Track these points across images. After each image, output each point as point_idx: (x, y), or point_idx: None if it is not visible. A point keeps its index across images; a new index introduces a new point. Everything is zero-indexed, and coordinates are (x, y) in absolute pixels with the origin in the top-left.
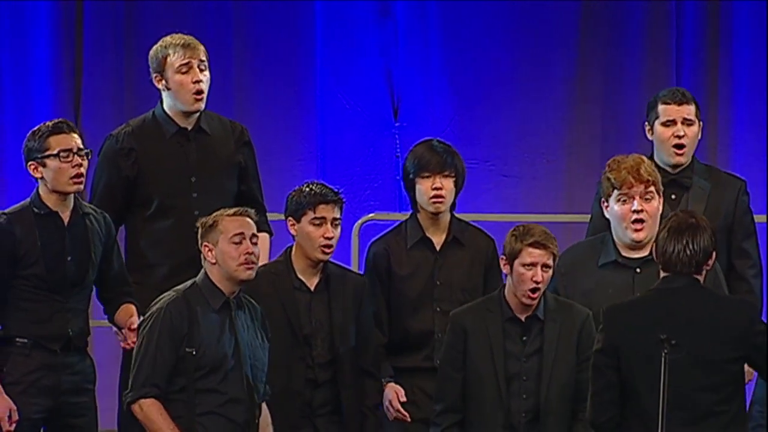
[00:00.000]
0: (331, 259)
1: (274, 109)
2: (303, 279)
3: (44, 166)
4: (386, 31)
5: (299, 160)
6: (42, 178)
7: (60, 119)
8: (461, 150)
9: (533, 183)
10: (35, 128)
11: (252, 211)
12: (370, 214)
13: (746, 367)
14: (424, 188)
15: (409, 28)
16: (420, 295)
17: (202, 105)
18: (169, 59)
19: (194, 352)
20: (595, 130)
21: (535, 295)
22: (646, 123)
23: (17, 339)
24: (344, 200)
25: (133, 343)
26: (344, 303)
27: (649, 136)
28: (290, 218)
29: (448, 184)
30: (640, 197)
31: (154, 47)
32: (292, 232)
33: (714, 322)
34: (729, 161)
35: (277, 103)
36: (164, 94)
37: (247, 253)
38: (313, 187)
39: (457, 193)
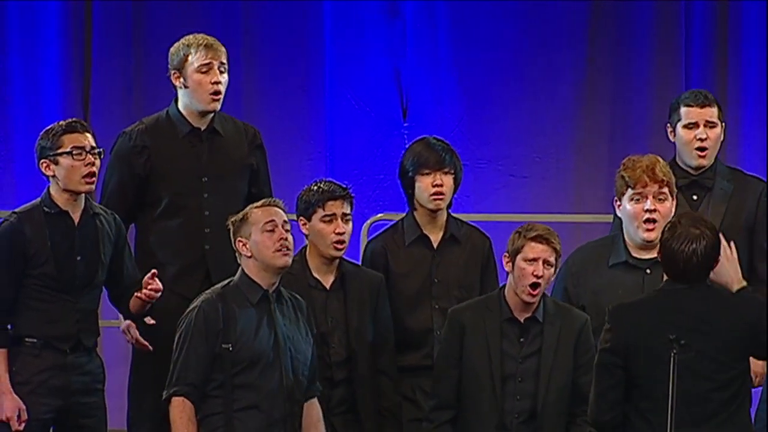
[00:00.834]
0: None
1: (282, 110)
2: (318, 277)
3: (57, 164)
4: (395, 32)
5: (308, 160)
6: (54, 176)
7: (74, 119)
8: (470, 150)
9: (542, 183)
10: (48, 127)
11: (280, 201)
12: (379, 214)
13: (758, 369)
14: (424, 185)
15: (417, 28)
16: (418, 293)
17: (218, 106)
18: (190, 58)
19: (230, 348)
20: (603, 129)
21: (536, 292)
22: (668, 125)
23: (27, 339)
24: (353, 195)
25: (138, 342)
26: (360, 301)
27: (671, 138)
28: (301, 218)
29: (447, 181)
30: (654, 197)
31: (176, 44)
32: (305, 231)
33: (721, 320)
34: (738, 160)
35: (285, 104)
36: (180, 92)
37: (281, 239)
38: (321, 185)
39: (455, 191)
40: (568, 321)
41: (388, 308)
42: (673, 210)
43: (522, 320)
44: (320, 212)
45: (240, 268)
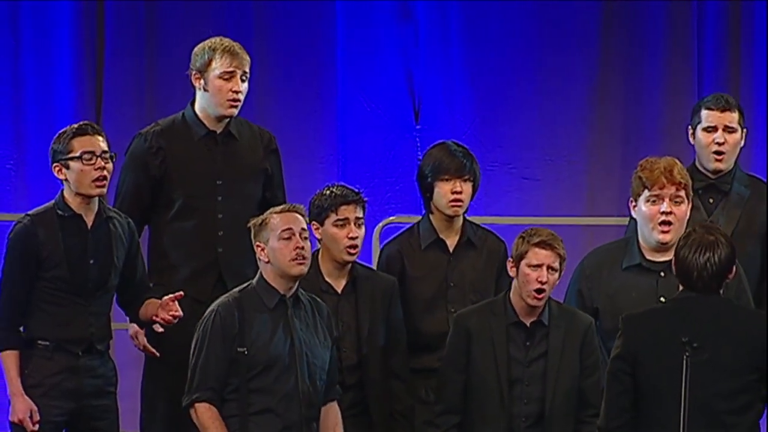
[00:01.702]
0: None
1: (294, 112)
2: (330, 282)
3: (67, 168)
4: (407, 33)
5: (320, 163)
6: (66, 180)
7: (85, 121)
8: (482, 152)
9: (555, 186)
10: (62, 130)
11: (301, 207)
12: (391, 217)
13: None
14: (443, 191)
15: (429, 30)
16: (433, 297)
17: (236, 112)
18: (213, 63)
19: (246, 352)
20: (616, 132)
21: (541, 296)
22: (689, 126)
23: (39, 341)
24: (366, 199)
25: (146, 349)
26: (372, 305)
27: (691, 140)
28: (314, 222)
29: (467, 188)
30: (670, 199)
31: (201, 45)
32: (317, 236)
33: (733, 332)
34: (749, 163)
35: (297, 106)
36: (199, 94)
37: (297, 247)
38: (334, 189)
39: (472, 197)
40: (572, 324)
41: (401, 311)
42: (689, 213)
43: (528, 324)
44: (333, 217)
45: (258, 272)
